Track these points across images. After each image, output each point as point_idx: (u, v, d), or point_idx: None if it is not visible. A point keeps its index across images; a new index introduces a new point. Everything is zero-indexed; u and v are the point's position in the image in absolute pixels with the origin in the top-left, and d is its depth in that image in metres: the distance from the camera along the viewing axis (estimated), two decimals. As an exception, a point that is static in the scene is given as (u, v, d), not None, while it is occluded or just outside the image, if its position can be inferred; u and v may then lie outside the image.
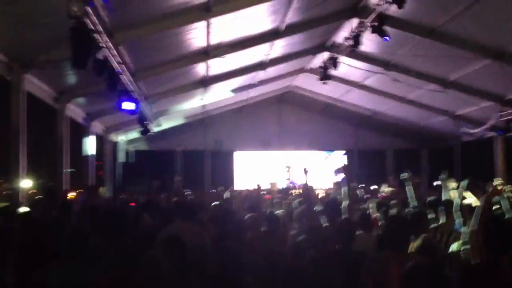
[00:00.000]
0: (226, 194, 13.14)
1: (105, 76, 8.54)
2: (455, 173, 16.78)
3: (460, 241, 4.79)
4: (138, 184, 16.07)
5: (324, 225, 6.22)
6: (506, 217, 5.37)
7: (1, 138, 10.43)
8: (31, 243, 5.06)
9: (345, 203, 6.43)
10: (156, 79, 11.94)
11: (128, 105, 10.26)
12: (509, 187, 7.98)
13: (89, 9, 6.50)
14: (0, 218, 6.32)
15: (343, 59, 12.89)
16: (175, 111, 16.59)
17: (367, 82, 15.13)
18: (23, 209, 7.22)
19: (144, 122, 13.65)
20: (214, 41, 10.58)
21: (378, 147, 21.51)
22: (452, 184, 6.78)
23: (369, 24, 10.24)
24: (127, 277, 3.87)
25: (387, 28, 9.99)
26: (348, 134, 21.16)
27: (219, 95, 15.88)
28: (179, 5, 8.57)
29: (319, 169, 17.63)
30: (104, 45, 7.70)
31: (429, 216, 6.31)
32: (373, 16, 9.91)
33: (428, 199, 7.11)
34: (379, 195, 11.95)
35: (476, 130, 15.12)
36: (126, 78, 9.78)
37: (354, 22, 11.01)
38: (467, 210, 5.52)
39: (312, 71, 15.38)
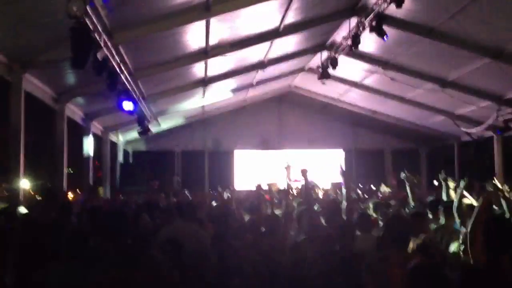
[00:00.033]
0: (226, 194, 13.15)
1: (104, 76, 8.54)
2: (453, 173, 16.85)
3: (459, 242, 4.81)
4: (137, 184, 16.11)
5: (324, 225, 6.22)
6: (506, 217, 5.39)
7: (0, 139, 10.42)
8: (31, 243, 5.05)
9: (344, 204, 6.43)
10: (155, 79, 11.93)
11: (127, 105, 10.26)
12: (508, 187, 7.98)
13: (88, 9, 6.50)
14: (0, 218, 6.31)
15: (342, 59, 12.90)
16: (174, 111, 16.59)
17: (366, 82, 15.14)
18: (23, 210, 7.22)
19: (143, 122, 13.65)
20: (213, 40, 10.59)
21: (377, 147, 21.53)
22: (451, 184, 6.79)
23: (367, 24, 10.25)
24: (127, 277, 3.87)
25: (386, 28, 10.00)
26: (347, 133, 21.17)
27: (218, 95, 15.88)
28: (178, 5, 8.57)
29: (318, 169, 17.62)
30: (103, 45, 7.70)
31: (429, 216, 6.33)
32: (371, 15, 9.92)
33: (428, 199, 7.14)
34: (378, 195, 11.99)
35: (474, 130, 15.14)
36: (125, 78, 9.78)
37: (353, 21, 11.01)
38: (466, 210, 5.52)
39: (311, 70, 15.39)
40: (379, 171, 20.25)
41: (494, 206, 5.85)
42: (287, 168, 8.96)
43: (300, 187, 9.98)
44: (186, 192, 12.42)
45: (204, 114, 18.66)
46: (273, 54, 12.97)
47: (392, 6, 9.08)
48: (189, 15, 8.90)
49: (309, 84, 17.00)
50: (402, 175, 7.48)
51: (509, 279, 3.41)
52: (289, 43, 12.46)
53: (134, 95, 10.65)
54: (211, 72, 13.01)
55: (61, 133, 11.44)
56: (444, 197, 6.71)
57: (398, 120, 18.44)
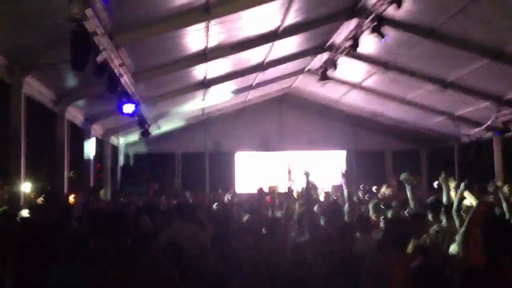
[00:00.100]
0: (227, 197, 13.16)
1: (105, 79, 8.55)
2: (454, 174, 16.82)
3: (456, 243, 4.82)
4: (138, 187, 16.10)
5: (324, 226, 6.23)
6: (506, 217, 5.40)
7: (1, 141, 10.43)
8: (31, 243, 5.06)
9: (345, 207, 6.45)
10: (156, 81, 11.95)
11: (127, 108, 10.27)
12: (507, 187, 7.98)
13: (89, 12, 6.51)
14: (0, 219, 6.33)
15: (342, 60, 12.92)
16: (175, 113, 16.60)
17: (366, 83, 15.14)
18: (23, 213, 7.23)
19: (144, 125, 13.67)
20: (213, 42, 10.60)
21: (377, 148, 21.51)
22: (452, 185, 6.78)
23: (368, 25, 10.27)
24: (127, 277, 3.88)
25: (386, 29, 10.02)
26: (348, 135, 21.15)
27: (219, 97, 15.90)
28: (178, 7, 8.59)
29: (319, 171, 17.61)
30: (103, 48, 7.71)
31: (429, 217, 6.33)
32: (371, 17, 9.93)
33: (428, 200, 7.13)
34: (379, 196, 11.98)
35: (474, 131, 15.14)
36: (125, 80, 9.79)
37: (353, 23, 11.03)
38: (466, 211, 5.53)
39: (311, 72, 15.40)
40: (379, 172, 20.22)
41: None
42: (289, 171, 8.97)
43: (300, 189, 9.99)
44: (186, 193, 12.43)
45: (204, 116, 18.67)
46: (273, 56, 12.98)
47: (392, 7, 9.11)
48: (189, 17, 8.91)
49: (309, 85, 17.00)
50: (402, 176, 7.48)
51: (509, 280, 3.41)
52: (289, 45, 12.47)
53: (135, 98, 10.66)
54: (211, 74, 13.02)
55: (61, 136, 11.46)
56: (444, 199, 6.71)
57: (398, 121, 18.43)
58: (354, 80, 15.30)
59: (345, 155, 21.00)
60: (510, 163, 15.09)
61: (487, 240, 3.61)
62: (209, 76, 13.11)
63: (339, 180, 7.88)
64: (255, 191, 9.24)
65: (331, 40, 12.81)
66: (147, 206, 8.81)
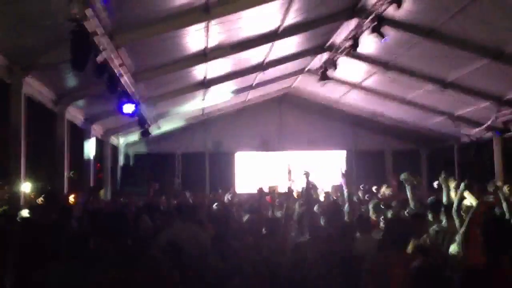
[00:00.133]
0: (227, 197, 13.16)
1: (105, 79, 8.56)
2: (454, 174, 16.82)
3: (456, 243, 4.82)
4: (138, 187, 16.10)
5: (324, 226, 6.23)
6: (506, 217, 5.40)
7: (1, 141, 10.43)
8: (31, 244, 5.07)
9: (345, 207, 6.45)
10: (156, 81, 11.95)
11: (128, 108, 10.27)
12: (507, 187, 7.98)
13: (89, 12, 6.51)
14: (0, 219, 6.32)
15: (342, 60, 12.92)
16: (175, 113, 16.60)
17: (366, 83, 15.14)
18: (23, 213, 7.23)
19: (144, 125, 13.67)
20: (213, 42, 10.60)
21: (377, 148, 21.51)
22: (452, 185, 6.78)
23: (368, 25, 10.27)
24: (127, 277, 3.88)
25: (386, 29, 10.02)
26: (348, 135, 21.14)
27: (219, 97, 15.90)
28: (178, 7, 8.59)
29: (319, 170, 17.60)
30: (103, 48, 7.71)
31: (429, 217, 6.33)
32: (371, 17, 9.93)
33: (428, 200, 7.14)
34: (379, 196, 11.98)
35: (474, 131, 15.14)
36: (125, 80, 9.79)
37: (353, 23, 11.03)
38: (466, 211, 5.53)
39: (311, 72, 15.40)
40: (379, 172, 20.22)
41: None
42: (289, 171, 8.98)
43: (300, 189, 9.99)
44: (186, 193, 12.43)
45: (204, 116, 18.67)
46: (273, 56, 12.98)
47: (392, 7, 9.11)
48: (189, 17, 8.91)
49: (309, 85, 17.00)
50: (402, 176, 7.48)
51: (509, 280, 3.41)
52: (289, 45, 12.47)
53: (134, 98, 10.66)
54: (211, 74, 13.02)
55: (61, 136, 11.46)
56: (444, 199, 6.71)
57: (398, 121, 18.43)
58: (354, 80, 15.30)
59: (345, 155, 21.00)
60: (510, 163, 15.09)
61: (487, 240, 3.61)
62: (209, 76, 13.11)
63: (339, 180, 7.89)
64: (255, 191, 9.24)
65: (331, 40, 12.81)
66: (147, 206, 8.81)
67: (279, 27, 10.89)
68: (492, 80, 12.02)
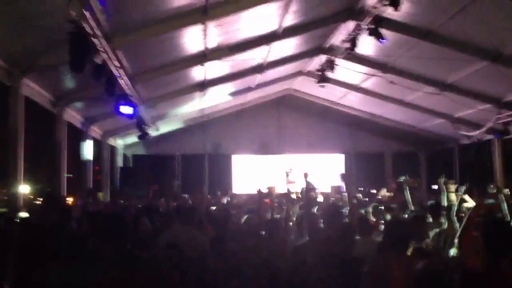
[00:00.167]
0: (226, 199, 13.16)
1: (103, 81, 8.54)
2: (453, 176, 16.84)
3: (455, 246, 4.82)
4: (137, 188, 16.06)
5: (323, 228, 6.22)
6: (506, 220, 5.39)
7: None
8: (31, 244, 5.06)
9: (345, 209, 6.45)
10: (154, 83, 11.93)
11: (126, 109, 10.26)
12: (508, 190, 7.99)
13: (87, 14, 6.50)
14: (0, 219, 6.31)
15: (340, 62, 12.91)
16: (173, 115, 16.58)
17: (365, 85, 15.13)
18: (23, 214, 7.22)
19: (142, 127, 13.66)
20: (211, 44, 10.59)
21: (376, 150, 21.50)
22: (452, 187, 6.79)
23: (365, 27, 10.26)
24: (127, 277, 3.88)
25: (384, 31, 10.01)
26: (346, 137, 21.14)
27: (217, 98, 15.88)
28: (176, 8, 8.58)
29: (318, 172, 17.60)
30: (102, 49, 7.70)
31: (428, 220, 6.33)
32: (369, 18, 9.93)
33: (428, 202, 7.14)
34: (378, 198, 11.98)
35: (474, 133, 15.13)
36: (124, 82, 9.77)
37: (350, 24, 11.02)
38: (466, 214, 5.53)
39: (309, 74, 15.39)
40: (379, 174, 20.22)
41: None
42: (288, 173, 8.99)
43: (299, 190, 9.99)
44: (186, 196, 12.42)
45: (203, 117, 18.65)
46: (271, 58, 12.97)
47: (390, 9, 9.11)
48: (187, 18, 8.90)
49: (308, 87, 16.99)
50: (401, 178, 7.48)
51: (509, 283, 3.40)
52: (288, 47, 12.46)
53: (133, 100, 10.65)
54: (209, 76, 13.01)
55: (60, 138, 11.43)
56: (444, 201, 6.70)
57: (397, 123, 18.43)
58: (352, 82, 15.29)
59: (344, 158, 20.99)
60: (510, 165, 15.10)
61: (487, 243, 3.61)
62: (207, 78, 13.10)
63: (338, 182, 7.91)
64: (254, 192, 9.23)
65: (329, 42, 12.80)
66: (147, 208, 8.80)
67: (277, 28, 10.88)
68: (491, 82, 12.02)
